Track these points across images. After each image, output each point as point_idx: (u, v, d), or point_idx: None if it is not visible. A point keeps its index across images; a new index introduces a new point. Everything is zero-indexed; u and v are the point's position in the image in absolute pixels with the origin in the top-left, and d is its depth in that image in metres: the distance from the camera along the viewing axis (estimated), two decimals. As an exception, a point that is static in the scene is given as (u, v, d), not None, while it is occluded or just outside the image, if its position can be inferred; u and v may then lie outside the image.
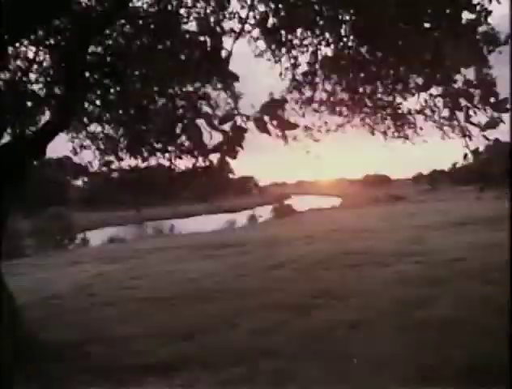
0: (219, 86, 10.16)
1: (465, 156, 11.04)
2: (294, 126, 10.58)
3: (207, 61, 9.29)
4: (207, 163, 10.23)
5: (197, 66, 9.26)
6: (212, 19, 9.69)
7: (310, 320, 8.88)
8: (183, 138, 10.10)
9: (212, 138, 9.75)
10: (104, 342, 8.42)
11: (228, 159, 9.86)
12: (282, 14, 9.83)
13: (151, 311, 10.56)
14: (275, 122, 10.25)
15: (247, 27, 10.18)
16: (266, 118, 9.66)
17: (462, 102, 10.44)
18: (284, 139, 10.66)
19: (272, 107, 9.91)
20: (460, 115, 10.73)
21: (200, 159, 10.26)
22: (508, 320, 6.30)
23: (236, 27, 10.00)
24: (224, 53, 9.64)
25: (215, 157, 10.15)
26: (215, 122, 9.63)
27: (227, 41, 9.90)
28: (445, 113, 11.24)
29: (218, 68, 9.45)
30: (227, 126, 9.77)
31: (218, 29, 9.71)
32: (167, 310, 10.48)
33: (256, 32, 10.48)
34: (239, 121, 9.97)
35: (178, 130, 9.88)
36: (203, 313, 9.94)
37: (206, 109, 10.22)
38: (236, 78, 9.92)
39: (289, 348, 7.36)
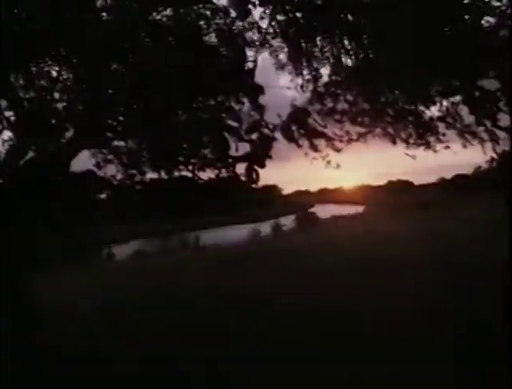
0: (243, 99, 10.13)
1: (492, 159, 10.88)
2: (321, 136, 10.52)
3: (233, 74, 9.27)
4: (231, 174, 10.20)
5: (222, 79, 9.25)
6: (233, 30, 9.70)
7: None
8: (206, 150, 10.08)
9: (238, 149, 9.75)
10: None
11: (256, 168, 9.84)
12: (301, 22, 9.79)
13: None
14: (302, 131, 10.21)
15: (267, 37, 10.19)
16: (294, 128, 9.66)
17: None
18: (312, 149, 10.60)
19: (299, 117, 9.88)
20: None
21: (224, 170, 10.24)
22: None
23: (257, 37, 10.01)
24: (249, 65, 9.65)
25: (240, 167, 10.15)
26: (242, 133, 9.62)
27: (249, 53, 9.94)
28: (470, 119, 11.12)
29: (244, 80, 9.43)
30: (253, 136, 9.77)
31: (240, 41, 9.70)
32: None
33: (277, 44, 10.48)
34: (266, 131, 9.95)
35: (203, 143, 9.87)
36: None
37: (231, 121, 10.20)
38: (262, 90, 9.88)
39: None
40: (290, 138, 10.70)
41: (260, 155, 10.13)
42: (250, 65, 10.09)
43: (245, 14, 9.61)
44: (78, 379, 7.53)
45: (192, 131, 10.06)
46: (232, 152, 10.30)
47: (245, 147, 10.37)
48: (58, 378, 7.53)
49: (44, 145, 9.42)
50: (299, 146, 11.24)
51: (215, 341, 8.98)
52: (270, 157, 10.33)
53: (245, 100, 10.29)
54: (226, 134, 10.22)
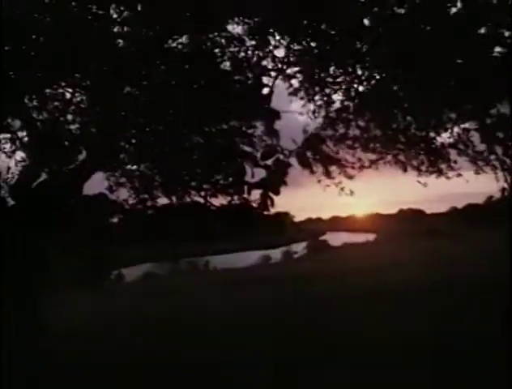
0: (257, 123, 10.16)
1: (503, 190, 10.82)
2: (335, 162, 10.50)
3: (248, 98, 9.32)
4: (242, 200, 10.18)
5: (237, 103, 9.30)
6: (248, 58, 9.79)
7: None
8: (218, 176, 10.09)
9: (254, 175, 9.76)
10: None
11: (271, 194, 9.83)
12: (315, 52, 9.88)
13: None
14: (317, 157, 10.20)
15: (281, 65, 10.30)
16: (309, 154, 9.65)
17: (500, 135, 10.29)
18: (326, 175, 10.58)
19: (314, 143, 9.88)
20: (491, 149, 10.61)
21: (236, 196, 10.22)
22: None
23: (271, 65, 10.10)
24: (265, 91, 9.71)
25: (254, 194, 10.14)
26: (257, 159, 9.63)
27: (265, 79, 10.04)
28: (481, 147, 11.09)
29: (259, 105, 9.47)
30: (269, 162, 9.77)
31: (255, 68, 9.79)
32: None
33: (290, 71, 10.56)
34: (281, 156, 9.95)
35: (218, 168, 9.89)
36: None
37: (245, 147, 10.23)
38: (278, 115, 9.91)
39: None
40: (305, 164, 10.69)
41: (275, 181, 10.11)
42: (266, 90, 10.15)
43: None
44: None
45: (205, 156, 10.09)
46: (247, 178, 10.30)
47: (259, 173, 10.40)
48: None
49: (57, 166, 9.47)
50: (313, 172, 11.24)
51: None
52: (285, 184, 10.35)
53: (259, 125, 10.33)
54: (241, 160, 10.23)
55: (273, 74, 10.35)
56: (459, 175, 11.85)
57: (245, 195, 10.28)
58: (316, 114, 11.19)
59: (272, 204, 10.35)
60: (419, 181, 12.10)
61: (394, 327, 10.67)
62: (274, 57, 10.17)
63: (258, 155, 10.25)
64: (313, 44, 9.87)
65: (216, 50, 9.53)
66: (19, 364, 8.16)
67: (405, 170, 12.03)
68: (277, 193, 10.23)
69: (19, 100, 8.52)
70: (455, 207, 76.33)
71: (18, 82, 7.78)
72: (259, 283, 21.44)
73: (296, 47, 10.07)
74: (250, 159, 10.14)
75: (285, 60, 10.27)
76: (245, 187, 10.13)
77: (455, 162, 11.77)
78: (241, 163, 10.06)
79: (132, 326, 13.68)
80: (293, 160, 10.64)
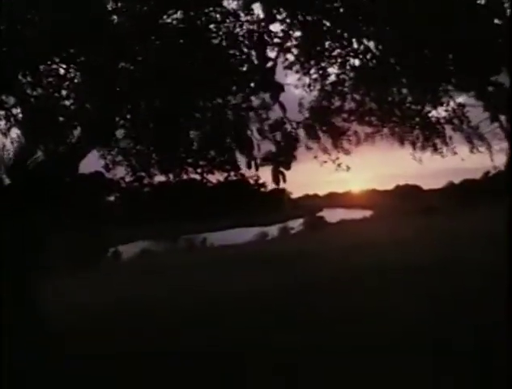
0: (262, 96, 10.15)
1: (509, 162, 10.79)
2: (344, 133, 10.48)
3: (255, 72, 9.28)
4: (241, 177, 10.16)
5: (244, 77, 9.27)
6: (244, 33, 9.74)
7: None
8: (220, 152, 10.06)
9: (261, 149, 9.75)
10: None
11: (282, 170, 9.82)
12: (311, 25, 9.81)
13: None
14: (325, 129, 10.17)
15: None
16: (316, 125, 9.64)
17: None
18: (324, 151, 10.55)
19: (322, 113, 9.85)
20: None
21: (232, 173, 10.19)
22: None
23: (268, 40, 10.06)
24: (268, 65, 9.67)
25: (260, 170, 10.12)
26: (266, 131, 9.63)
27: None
28: (476, 121, 11.05)
29: (265, 79, 9.43)
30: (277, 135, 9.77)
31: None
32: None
33: (286, 45, 10.50)
34: (289, 128, 9.92)
35: (226, 144, 9.86)
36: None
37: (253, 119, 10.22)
38: (281, 88, 9.89)
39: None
40: (313, 135, 10.68)
41: (285, 154, 10.10)
42: (270, 64, 10.11)
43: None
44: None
45: (206, 131, 10.04)
46: (255, 153, 10.26)
47: (268, 148, 10.36)
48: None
49: (52, 143, 9.40)
50: (309, 148, 11.21)
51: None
52: (295, 158, 10.33)
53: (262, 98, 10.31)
54: (249, 134, 10.18)
55: (272, 48, 10.29)
56: (455, 153, 11.85)
57: (254, 171, 10.27)
58: (311, 87, 11.13)
59: (284, 180, 10.32)
60: (414, 158, 12.11)
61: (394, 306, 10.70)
62: (270, 32, 10.09)
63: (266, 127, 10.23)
64: (309, 18, 9.78)
65: (211, 26, 9.43)
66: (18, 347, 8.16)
67: (401, 143, 12.00)
68: (288, 168, 10.22)
69: (13, 77, 8.43)
70: (452, 182, 76.50)
71: (12, 58, 7.70)
72: (258, 260, 21.43)
73: (293, 21, 9.98)
74: (259, 132, 10.13)
75: (282, 35, 10.19)
76: (253, 162, 10.08)
77: (450, 138, 11.74)
78: (248, 136, 10.03)
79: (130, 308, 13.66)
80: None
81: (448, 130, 11.68)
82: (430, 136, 11.77)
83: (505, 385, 5.99)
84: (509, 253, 8.17)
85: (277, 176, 10.28)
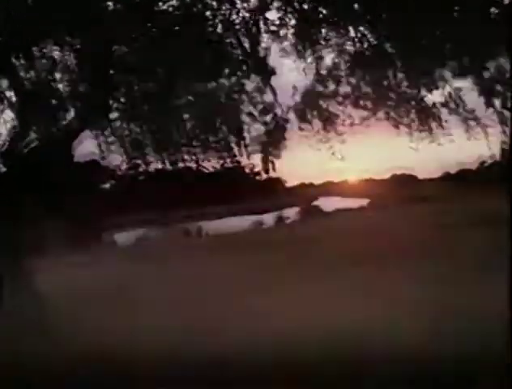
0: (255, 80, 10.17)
1: (503, 149, 10.79)
2: (335, 117, 10.46)
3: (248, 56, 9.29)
4: (236, 164, 10.14)
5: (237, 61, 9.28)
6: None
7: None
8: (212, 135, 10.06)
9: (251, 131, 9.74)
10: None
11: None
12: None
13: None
14: (315, 113, 10.14)
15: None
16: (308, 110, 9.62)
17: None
18: (325, 130, 10.54)
19: (313, 98, 9.83)
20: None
21: (229, 160, 10.17)
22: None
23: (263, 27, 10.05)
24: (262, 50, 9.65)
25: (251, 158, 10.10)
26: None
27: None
28: (472, 105, 11.03)
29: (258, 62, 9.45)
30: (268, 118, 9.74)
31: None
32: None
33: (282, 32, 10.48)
34: (279, 112, 9.91)
35: (217, 124, 9.87)
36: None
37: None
38: (274, 72, 9.91)
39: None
40: (304, 120, 10.66)
41: (275, 141, 10.11)
42: (263, 49, 10.09)
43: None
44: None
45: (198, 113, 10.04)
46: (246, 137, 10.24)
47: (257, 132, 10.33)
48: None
49: (45, 124, 9.39)
50: (312, 128, 11.21)
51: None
52: (284, 145, 10.31)
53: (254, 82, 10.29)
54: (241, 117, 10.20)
55: (267, 35, 10.24)
56: (451, 140, 11.82)
57: (244, 159, 10.26)
58: (306, 72, 11.09)
59: (274, 168, 10.32)
60: (411, 146, 12.07)
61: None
62: (266, 20, 10.05)
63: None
64: (305, 6, 9.76)
65: (207, 13, 9.42)
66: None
67: (397, 128, 11.96)
68: (278, 156, 10.20)
69: (5, 59, 8.42)
70: (448, 172, 76.82)
71: (3, 40, 7.65)
72: (254, 247, 21.42)
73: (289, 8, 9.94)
74: (249, 115, 10.13)
75: (278, 22, 10.14)
76: (244, 150, 10.08)
77: (446, 121, 11.69)
78: (239, 119, 10.03)
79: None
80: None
81: (444, 114, 11.67)
82: (426, 119, 11.73)
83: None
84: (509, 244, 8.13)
85: (266, 163, 10.28)
